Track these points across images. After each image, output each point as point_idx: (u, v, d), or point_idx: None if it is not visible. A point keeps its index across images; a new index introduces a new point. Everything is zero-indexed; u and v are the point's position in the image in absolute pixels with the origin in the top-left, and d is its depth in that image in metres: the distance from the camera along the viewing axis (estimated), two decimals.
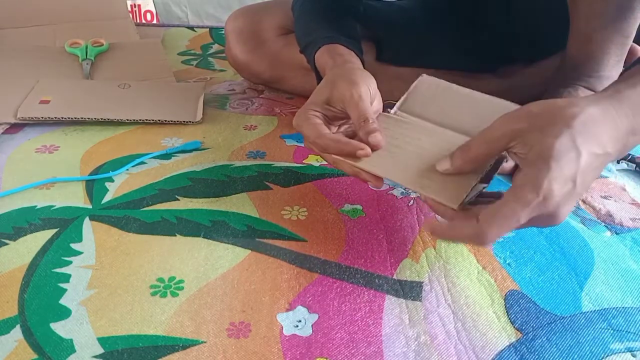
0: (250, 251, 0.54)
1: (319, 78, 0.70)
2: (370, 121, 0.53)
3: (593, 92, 0.72)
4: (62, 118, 0.80)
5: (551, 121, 0.41)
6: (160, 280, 0.50)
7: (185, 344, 0.44)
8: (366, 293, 0.50)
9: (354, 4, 0.81)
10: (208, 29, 1.38)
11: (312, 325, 0.46)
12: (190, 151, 0.74)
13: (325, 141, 0.53)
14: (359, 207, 0.62)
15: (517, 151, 0.42)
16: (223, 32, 1.00)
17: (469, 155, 0.46)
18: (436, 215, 0.57)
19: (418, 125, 0.55)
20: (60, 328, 0.45)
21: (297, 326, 0.46)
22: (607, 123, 0.42)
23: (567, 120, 0.41)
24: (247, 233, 0.57)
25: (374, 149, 0.53)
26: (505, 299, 0.49)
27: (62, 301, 0.47)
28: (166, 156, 0.73)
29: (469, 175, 0.47)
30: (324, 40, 0.68)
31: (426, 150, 0.51)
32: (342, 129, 0.59)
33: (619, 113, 0.42)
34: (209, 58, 1.16)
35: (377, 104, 0.60)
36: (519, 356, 0.43)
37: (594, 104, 0.42)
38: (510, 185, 0.42)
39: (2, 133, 0.78)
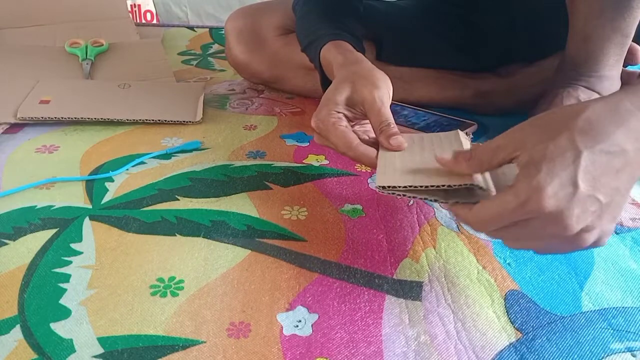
0: (250, 251, 0.54)
1: (323, 75, 0.70)
2: (392, 125, 0.54)
3: (592, 91, 0.72)
4: (62, 118, 0.80)
5: (551, 124, 0.39)
6: (160, 280, 0.50)
7: (185, 344, 0.44)
8: (366, 293, 0.50)
9: (355, 4, 0.81)
10: (208, 29, 1.38)
11: (312, 325, 0.46)
12: (190, 151, 0.74)
13: (357, 154, 0.54)
14: (359, 207, 0.62)
15: (520, 159, 0.40)
16: (223, 32, 1.00)
17: (470, 157, 0.44)
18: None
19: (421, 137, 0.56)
20: (60, 328, 0.45)
21: (297, 326, 0.46)
22: (620, 118, 0.38)
23: (568, 120, 0.39)
24: (247, 233, 0.57)
25: (395, 149, 0.53)
26: (505, 299, 0.49)
27: (62, 301, 0.47)
28: (166, 156, 0.73)
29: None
30: (331, 37, 0.68)
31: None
32: (356, 127, 0.59)
33: (636, 105, 0.38)
34: (209, 58, 1.16)
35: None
36: (519, 356, 0.43)
37: (603, 100, 0.39)
38: None
39: (2, 133, 0.78)
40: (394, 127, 0.54)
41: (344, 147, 0.54)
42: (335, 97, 0.57)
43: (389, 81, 0.58)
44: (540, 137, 0.39)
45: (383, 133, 0.54)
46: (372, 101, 0.55)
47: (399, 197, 0.59)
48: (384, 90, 0.56)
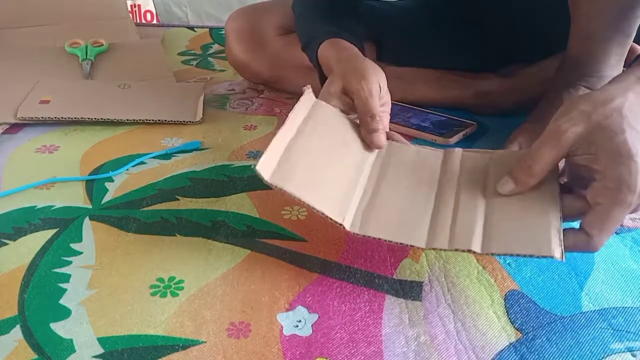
0: (250, 251, 0.54)
1: (321, 74, 0.70)
2: (377, 119, 0.53)
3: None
4: (62, 118, 0.80)
5: (606, 116, 0.42)
6: (160, 280, 0.50)
7: (185, 344, 0.44)
8: (366, 293, 0.49)
9: (355, 4, 0.81)
10: (208, 29, 1.38)
11: (312, 325, 0.46)
12: (190, 151, 0.74)
13: None
14: None
15: (581, 152, 0.43)
16: (223, 32, 1.00)
17: (536, 167, 0.45)
18: None
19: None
20: (60, 328, 0.45)
21: (297, 326, 0.46)
22: None
23: (620, 110, 0.42)
24: (247, 233, 0.57)
25: (374, 147, 0.53)
26: (505, 299, 0.49)
27: (62, 301, 0.47)
28: (166, 156, 0.73)
29: (539, 206, 0.46)
30: (328, 35, 0.68)
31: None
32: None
33: None
34: (209, 58, 1.16)
35: (385, 96, 0.60)
36: (519, 356, 0.43)
37: (629, 90, 0.44)
38: None
39: (2, 133, 0.78)
40: (378, 122, 0.53)
41: None
42: (329, 90, 0.57)
43: (382, 74, 0.58)
44: (604, 130, 0.42)
45: (365, 126, 0.53)
46: (360, 91, 0.54)
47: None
48: (372, 81, 0.55)
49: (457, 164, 0.54)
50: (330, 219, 0.47)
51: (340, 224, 0.47)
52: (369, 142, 0.54)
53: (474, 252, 0.44)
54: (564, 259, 0.42)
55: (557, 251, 0.42)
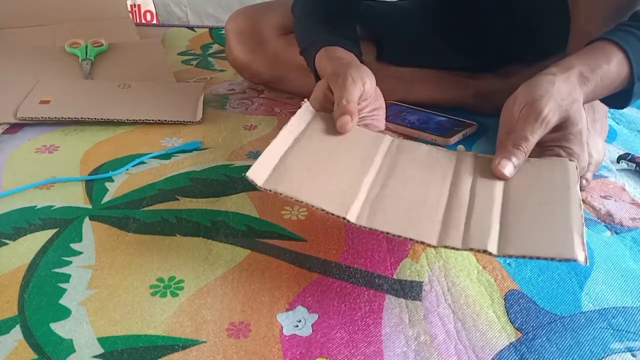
0: (250, 251, 0.54)
1: (318, 79, 0.70)
2: (351, 104, 0.55)
3: None
4: (62, 118, 0.80)
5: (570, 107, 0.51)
6: (160, 280, 0.50)
7: (185, 344, 0.44)
8: (366, 293, 0.49)
9: (354, 4, 0.81)
10: (208, 29, 1.38)
11: (312, 325, 0.46)
12: (190, 151, 0.74)
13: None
14: None
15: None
16: (223, 32, 1.00)
17: (531, 145, 0.50)
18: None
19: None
20: (60, 328, 0.45)
21: (297, 326, 0.46)
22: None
23: (579, 102, 0.52)
24: (247, 233, 0.57)
25: (340, 130, 0.54)
26: (505, 299, 0.49)
27: (62, 301, 0.47)
28: (166, 156, 0.73)
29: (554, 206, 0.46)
30: (323, 43, 0.69)
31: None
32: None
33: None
34: (209, 58, 1.16)
35: (378, 100, 0.61)
36: (518, 356, 0.43)
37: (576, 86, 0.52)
38: None
39: (2, 133, 0.78)
40: (350, 104, 0.55)
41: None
42: (316, 92, 0.59)
43: (368, 73, 0.59)
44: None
45: (338, 109, 0.55)
46: (344, 77, 0.56)
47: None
48: (355, 75, 0.57)
49: (471, 163, 0.53)
50: (332, 214, 0.45)
51: (344, 218, 0.45)
52: (337, 127, 0.55)
53: (490, 254, 0.42)
54: (587, 263, 0.41)
55: (580, 255, 0.41)
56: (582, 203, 0.46)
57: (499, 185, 0.49)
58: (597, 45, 0.55)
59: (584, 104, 0.53)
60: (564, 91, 0.51)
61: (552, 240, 0.43)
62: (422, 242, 0.44)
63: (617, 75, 0.54)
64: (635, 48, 0.54)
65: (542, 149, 0.52)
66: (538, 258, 0.41)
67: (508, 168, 0.50)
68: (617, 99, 0.58)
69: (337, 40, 0.69)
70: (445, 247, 0.44)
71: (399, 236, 0.44)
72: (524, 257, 0.42)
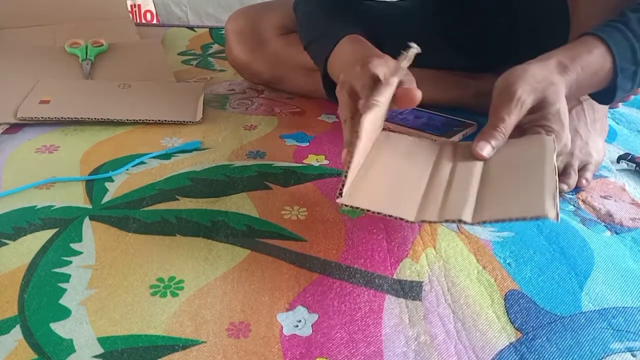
0: (250, 251, 0.54)
1: (325, 73, 0.70)
2: (373, 96, 0.53)
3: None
4: (62, 118, 0.80)
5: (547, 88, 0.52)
6: (160, 280, 0.50)
7: (185, 344, 0.44)
8: (366, 293, 0.49)
9: (355, 4, 0.81)
10: (208, 29, 1.38)
11: (312, 325, 0.46)
12: (190, 151, 0.74)
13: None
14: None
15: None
16: (223, 32, 1.00)
17: (509, 125, 0.51)
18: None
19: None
20: (60, 328, 0.45)
21: (297, 326, 0.46)
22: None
23: (557, 85, 0.52)
24: (247, 233, 0.57)
25: (406, 95, 0.55)
26: (505, 299, 0.49)
27: (62, 301, 0.47)
28: (166, 156, 0.73)
29: (540, 170, 0.46)
30: (347, 32, 0.67)
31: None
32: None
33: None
34: (209, 58, 1.16)
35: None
36: (518, 356, 0.43)
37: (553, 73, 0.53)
38: None
39: (2, 133, 0.78)
40: (369, 101, 0.52)
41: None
42: (341, 90, 0.58)
43: (387, 57, 0.61)
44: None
45: (362, 101, 0.54)
46: (357, 74, 0.56)
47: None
48: (378, 64, 0.58)
49: (452, 150, 0.55)
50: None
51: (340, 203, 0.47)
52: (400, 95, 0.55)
53: (464, 222, 0.43)
54: (558, 220, 0.41)
55: (551, 212, 0.41)
56: (557, 170, 0.47)
57: (479, 165, 0.51)
58: (580, 39, 0.56)
59: (569, 94, 0.53)
60: (539, 74, 0.52)
61: (524, 202, 0.43)
62: (401, 219, 0.46)
63: (600, 67, 0.54)
64: (618, 40, 0.54)
65: (523, 131, 0.53)
66: (510, 220, 0.42)
67: (486, 149, 0.52)
68: (603, 93, 0.58)
69: (357, 32, 0.68)
70: (423, 221, 0.45)
71: (378, 213, 0.46)
72: (497, 221, 0.43)
